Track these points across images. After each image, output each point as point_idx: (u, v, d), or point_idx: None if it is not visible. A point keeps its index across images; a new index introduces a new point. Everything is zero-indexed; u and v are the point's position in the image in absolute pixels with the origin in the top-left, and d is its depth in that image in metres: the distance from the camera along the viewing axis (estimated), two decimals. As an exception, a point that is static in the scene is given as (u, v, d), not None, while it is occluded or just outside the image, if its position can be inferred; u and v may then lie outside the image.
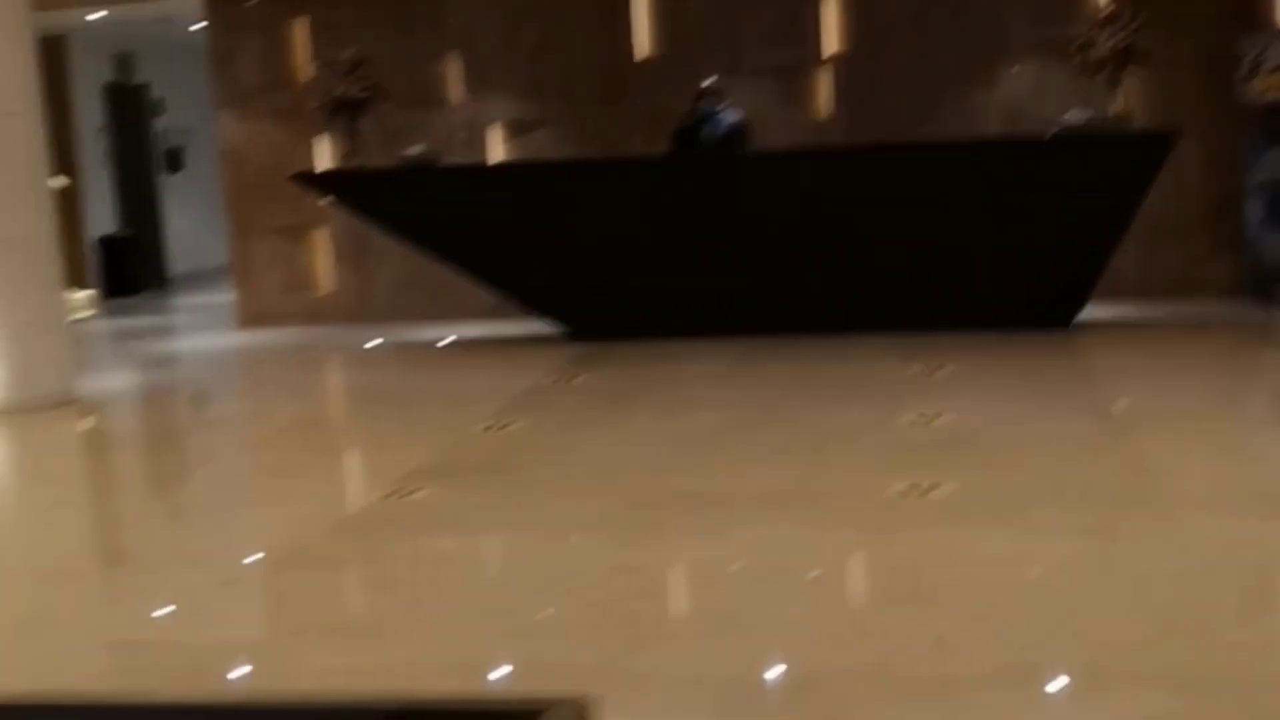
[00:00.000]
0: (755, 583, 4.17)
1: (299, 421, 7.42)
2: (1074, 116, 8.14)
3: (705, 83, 8.96)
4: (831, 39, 9.73)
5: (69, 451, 7.12)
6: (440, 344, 9.49)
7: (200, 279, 14.84)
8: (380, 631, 3.90)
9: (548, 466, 5.73)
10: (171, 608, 4.22)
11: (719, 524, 4.77)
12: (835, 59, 9.76)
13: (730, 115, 8.90)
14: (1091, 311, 8.46)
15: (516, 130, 10.29)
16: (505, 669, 3.54)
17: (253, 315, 10.83)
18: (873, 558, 4.52)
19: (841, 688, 3.30)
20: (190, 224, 15.59)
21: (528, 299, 9.12)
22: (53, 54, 11.47)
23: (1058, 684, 3.32)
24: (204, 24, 11.07)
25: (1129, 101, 8.35)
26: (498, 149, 10.40)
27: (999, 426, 6.00)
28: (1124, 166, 7.98)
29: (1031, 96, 9.41)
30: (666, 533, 4.75)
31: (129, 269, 14.23)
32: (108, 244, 14.06)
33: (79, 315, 11.08)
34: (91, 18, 12.17)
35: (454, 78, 10.47)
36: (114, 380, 8.96)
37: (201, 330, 11.26)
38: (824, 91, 9.86)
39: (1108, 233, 8.14)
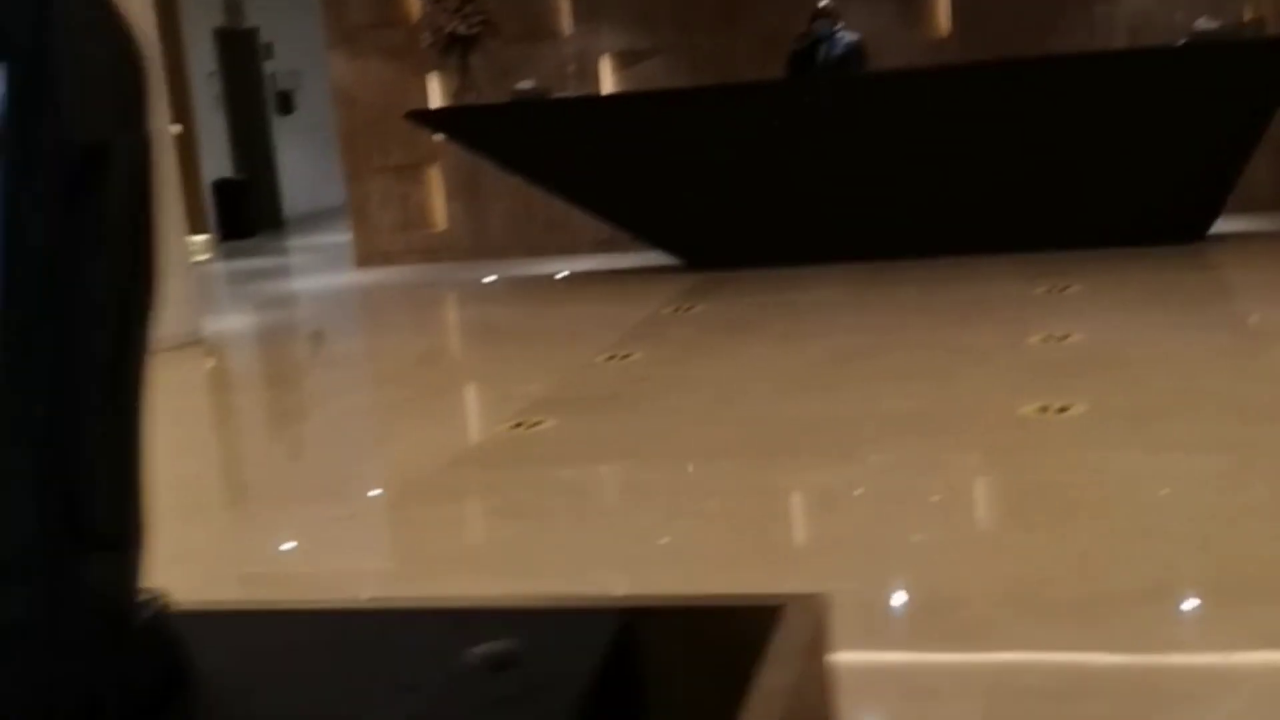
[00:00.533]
0: (887, 506, 4.10)
1: (420, 357, 7.46)
2: (1204, 25, 7.85)
3: (820, 4, 8.77)
4: (947, -46, 9.48)
5: (196, 390, 7.23)
6: (557, 277, 9.47)
7: (315, 220, 14.99)
8: (508, 561, 3.90)
9: (670, 396, 5.69)
10: (297, 542, 4.26)
11: (846, 448, 4.69)
12: (952, -25, 9.50)
13: (846, 36, 8.72)
14: (1224, 225, 8.19)
15: (628, 61, 10.18)
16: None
17: (368, 254, 10.90)
18: (1008, 479, 4.42)
19: (983, 609, 3.22)
20: (303, 165, 15.73)
21: (643, 230, 9.06)
22: (164, 1, 11.57)
23: (1201, 601, 3.21)
24: (312, -35, 11.09)
25: (1261, 8, 8.02)
26: (609, 80, 10.31)
27: (1131, 344, 5.84)
28: (1257, 75, 7.68)
29: (1159, 5, 9.09)
30: (793, 458, 4.69)
31: (244, 212, 14.41)
32: (223, 188, 14.25)
33: (198, 258, 11.24)
34: (202, -37, 12.24)
35: (564, 10, 10.38)
36: (234, 321, 9.09)
37: (318, 270, 11.37)
38: (941, 9, 9.61)
39: (1240, 143, 7.85)
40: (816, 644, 0.73)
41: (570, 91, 9.79)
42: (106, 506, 0.48)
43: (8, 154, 0.47)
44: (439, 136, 9.95)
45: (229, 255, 12.96)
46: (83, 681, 0.48)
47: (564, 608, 0.73)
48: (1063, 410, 4.78)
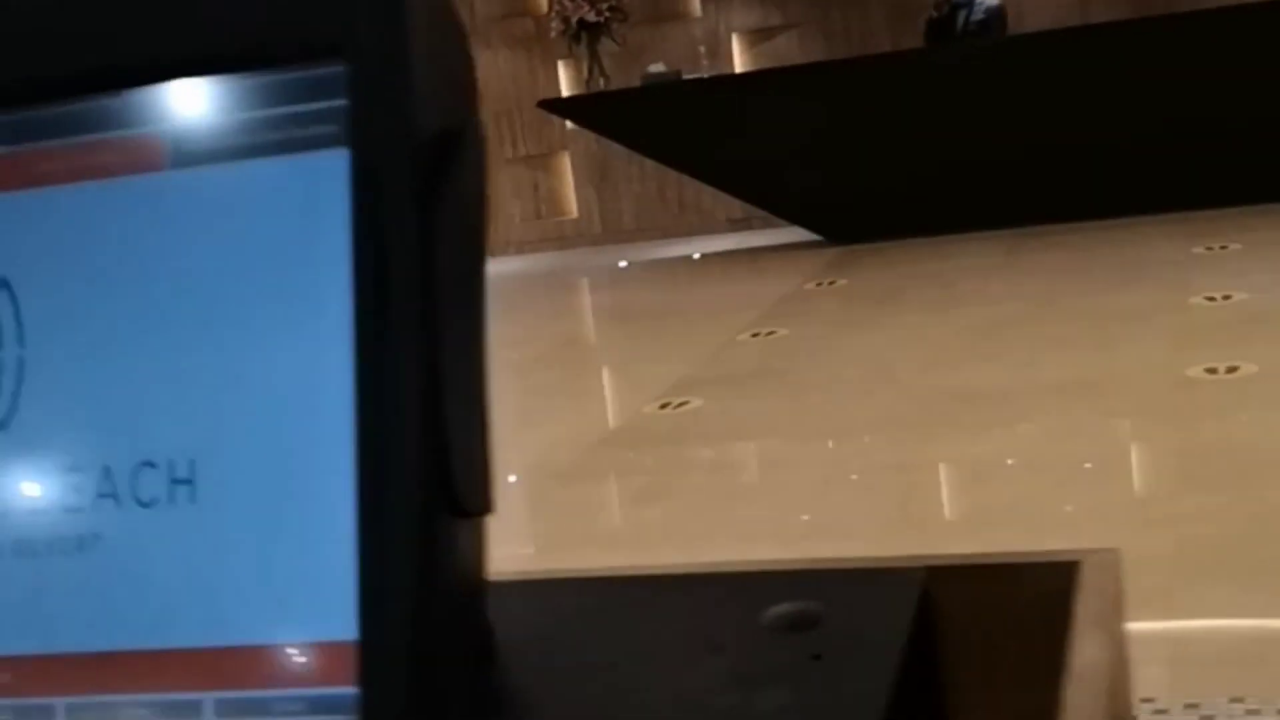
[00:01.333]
0: (1057, 473, 3.99)
1: (559, 342, 7.49)
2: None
3: (957, -32, 8.60)
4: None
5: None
6: (694, 258, 9.44)
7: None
8: (661, 539, 3.88)
9: (818, 370, 5.63)
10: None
11: (1008, 418, 4.59)
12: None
13: (986, 1, 8.53)
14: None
15: (759, 38, 10.10)
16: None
17: (500, 243, 10.97)
18: (1184, 441, 4.27)
19: (1163, 573, 3.11)
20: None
21: (781, 207, 8.98)
22: None
23: None
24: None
25: None
26: (741, 58, 10.23)
27: (1299, 303, 5.62)
28: None
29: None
30: (951, 429, 4.59)
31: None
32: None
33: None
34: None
35: (690, -11, 10.33)
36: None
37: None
38: (1081, -34, 9.37)
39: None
40: (1117, 599, 0.68)
41: (702, 72, 9.74)
42: (467, 480, 0.47)
43: (359, 154, 0.47)
44: (571, 125, 9.97)
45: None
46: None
47: (857, 568, 0.69)
48: (1232, 371, 4.61)
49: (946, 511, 3.87)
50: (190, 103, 0.51)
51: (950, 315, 6.35)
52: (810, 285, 7.70)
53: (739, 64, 10.22)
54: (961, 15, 8.53)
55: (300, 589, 0.48)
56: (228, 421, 0.49)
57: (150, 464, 0.50)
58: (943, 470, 4.24)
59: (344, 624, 0.47)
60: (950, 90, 8.07)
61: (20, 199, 0.52)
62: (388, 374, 0.47)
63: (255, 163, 0.50)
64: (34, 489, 0.51)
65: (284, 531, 0.48)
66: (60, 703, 0.50)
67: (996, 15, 8.51)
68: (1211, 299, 5.80)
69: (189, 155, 0.51)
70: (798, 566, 0.70)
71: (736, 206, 9.27)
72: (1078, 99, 7.86)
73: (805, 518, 3.83)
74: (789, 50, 9.95)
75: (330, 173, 0.49)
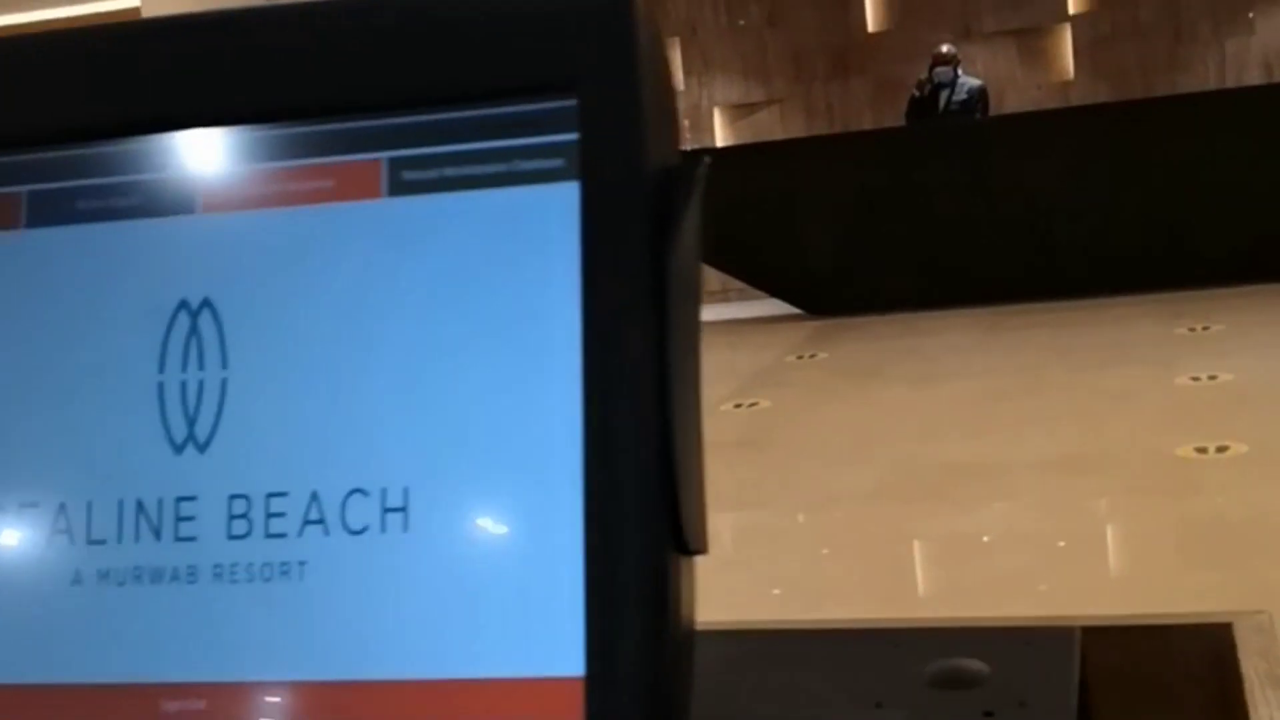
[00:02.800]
0: (1052, 547, 3.99)
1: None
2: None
3: (941, 50, 8.72)
4: (1067, -4, 9.38)
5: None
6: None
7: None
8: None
9: (803, 441, 5.63)
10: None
11: (1000, 491, 4.60)
12: (1076, 17, 9.40)
13: (970, 81, 8.66)
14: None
15: (742, 113, 10.19)
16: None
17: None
18: (1179, 518, 4.29)
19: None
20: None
21: (761, 279, 9.02)
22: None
23: None
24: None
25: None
26: (723, 132, 10.33)
27: (1284, 385, 5.67)
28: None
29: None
30: (942, 501, 4.60)
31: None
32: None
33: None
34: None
35: (674, 63, 10.44)
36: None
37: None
38: (1063, 52, 9.51)
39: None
40: (1276, 660, 0.68)
41: (685, 145, 9.78)
42: (692, 517, 0.48)
43: (590, 188, 0.47)
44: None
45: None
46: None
47: (1012, 627, 0.69)
48: (1222, 450, 4.64)
49: (937, 584, 3.86)
50: (413, 132, 0.50)
51: (933, 390, 6.37)
52: (790, 358, 7.72)
53: (720, 138, 10.30)
54: (944, 95, 8.65)
55: (518, 624, 0.47)
56: (445, 450, 0.48)
57: (361, 491, 0.49)
58: (929, 544, 4.24)
59: (567, 660, 0.47)
60: (931, 168, 8.15)
61: (230, 220, 0.52)
62: (620, 411, 0.47)
63: (479, 194, 0.50)
64: (236, 514, 0.50)
65: (502, 564, 0.48)
66: None
67: (978, 96, 8.63)
68: (1197, 379, 5.85)
69: (410, 184, 0.50)
70: (950, 624, 0.70)
71: (714, 278, 9.30)
72: (1057, 179, 7.95)
73: (776, 592, 3.82)
74: (771, 125, 10.04)
75: (558, 206, 0.49)
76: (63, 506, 0.51)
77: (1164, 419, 5.32)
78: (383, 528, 0.49)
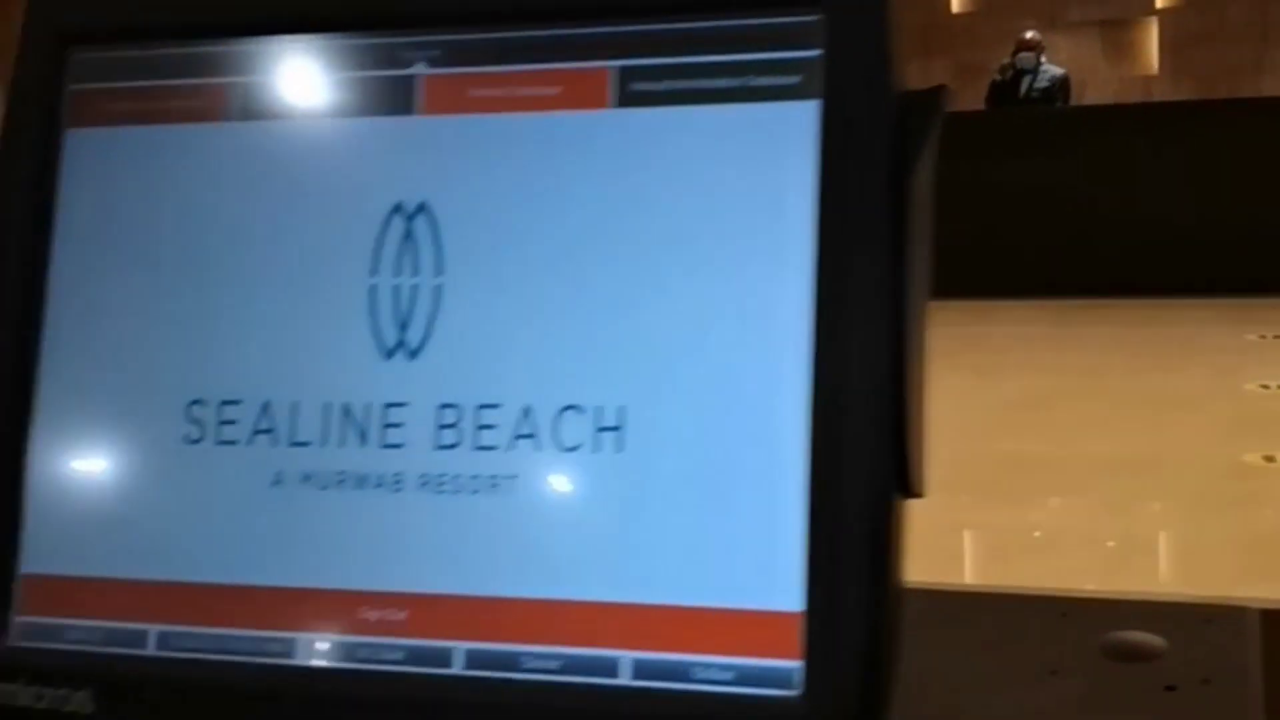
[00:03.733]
0: (1128, 553, 3.94)
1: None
2: None
3: (1025, 35, 8.62)
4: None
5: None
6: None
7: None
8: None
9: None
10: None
11: (1059, 488, 4.54)
12: (1163, 12, 9.26)
13: (1052, 70, 8.55)
14: None
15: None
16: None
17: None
18: (1245, 528, 4.23)
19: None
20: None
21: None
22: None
23: None
24: None
25: None
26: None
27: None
28: None
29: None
30: (1002, 497, 4.55)
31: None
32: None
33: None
34: None
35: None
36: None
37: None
38: (1149, 46, 9.38)
39: None
40: None
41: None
42: (916, 459, 0.46)
43: (833, 108, 0.46)
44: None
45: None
46: None
47: (1188, 603, 0.67)
48: (1290, 459, 4.57)
49: (997, 577, 3.83)
50: (644, 41, 0.49)
51: (996, 381, 6.31)
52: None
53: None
54: (1026, 81, 8.55)
55: (734, 553, 0.46)
56: (666, 370, 0.47)
57: (575, 408, 0.48)
58: (993, 536, 4.20)
59: (784, 595, 0.45)
60: (1008, 155, 8.06)
61: (449, 123, 0.51)
62: (852, 343, 0.45)
63: (711, 109, 0.48)
64: (445, 423, 0.49)
65: (720, 491, 0.46)
66: (460, 647, 0.48)
67: (1060, 84, 8.53)
68: (1266, 387, 5.76)
69: (638, 95, 0.49)
70: (1121, 597, 0.68)
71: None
72: (1135, 174, 7.85)
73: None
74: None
75: (795, 125, 0.47)
76: (266, 405, 0.51)
77: (1231, 425, 5.24)
78: (596, 446, 0.47)
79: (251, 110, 0.52)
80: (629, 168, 0.48)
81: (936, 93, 0.46)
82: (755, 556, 0.46)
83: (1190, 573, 3.76)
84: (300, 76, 0.52)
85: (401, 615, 0.48)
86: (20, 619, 0.52)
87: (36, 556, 0.52)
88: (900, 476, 0.45)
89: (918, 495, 0.47)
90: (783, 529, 0.45)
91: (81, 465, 0.52)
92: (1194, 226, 7.82)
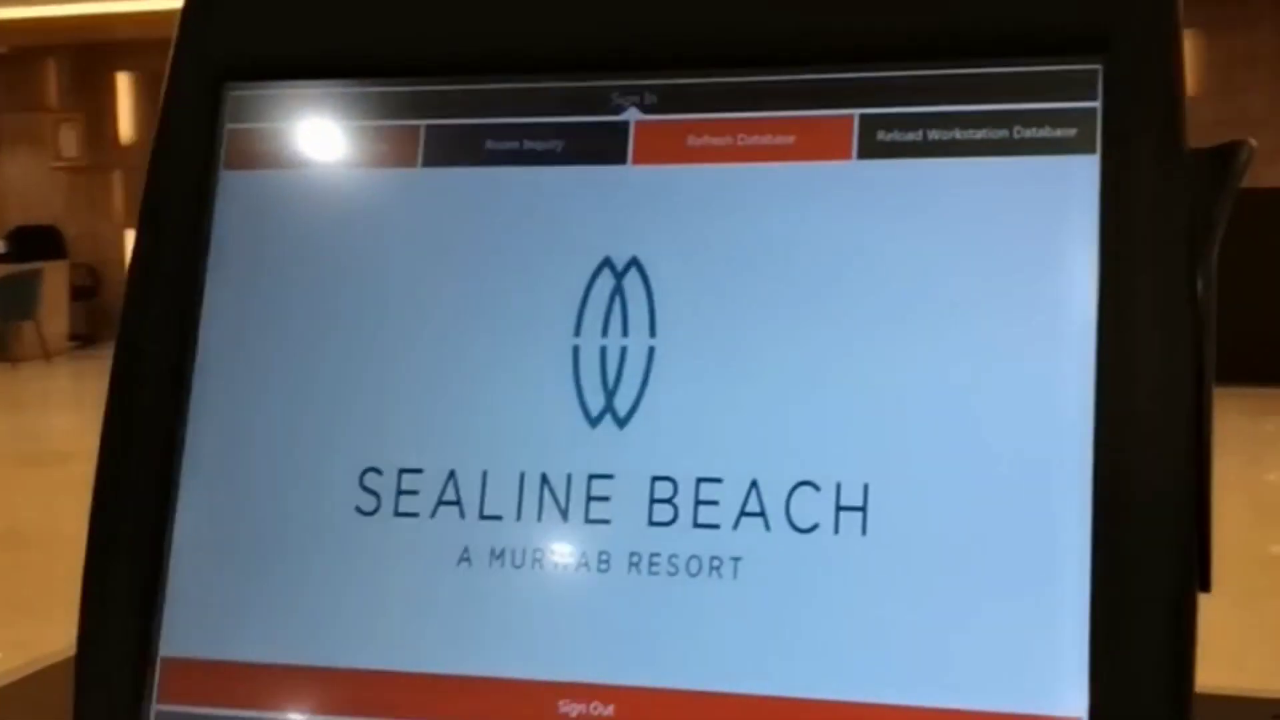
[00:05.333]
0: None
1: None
2: None
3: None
4: None
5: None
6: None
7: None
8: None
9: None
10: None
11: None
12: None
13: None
14: None
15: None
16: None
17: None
18: (1272, 620, 4.16)
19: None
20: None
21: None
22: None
23: None
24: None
25: None
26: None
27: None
28: None
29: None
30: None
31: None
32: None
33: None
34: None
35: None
36: None
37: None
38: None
39: None
40: None
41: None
42: (1209, 547, 0.43)
43: (1113, 164, 0.42)
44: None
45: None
46: None
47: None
48: (1316, 553, 4.51)
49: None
50: (892, 88, 0.45)
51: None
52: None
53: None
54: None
55: (1000, 651, 0.41)
56: (917, 444, 0.43)
57: (811, 484, 0.43)
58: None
59: (1061, 699, 0.40)
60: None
61: (664, 174, 0.46)
62: (1148, 423, 0.41)
63: (968, 162, 0.44)
64: (659, 498, 0.44)
65: (984, 581, 0.42)
66: None
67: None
68: (1287, 478, 5.71)
69: (884, 145, 0.45)
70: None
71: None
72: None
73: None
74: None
75: (1070, 182, 0.43)
76: (452, 474, 0.46)
77: (1256, 515, 5.18)
78: (836, 528, 0.43)
79: (442, 156, 0.48)
80: (872, 224, 0.44)
81: (1235, 149, 0.42)
82: (1026, 655, 0.41)
83: (1223, 666, 3.67)
84: (497, 121, 0.48)
85: (607, 710, 0.43)
86: (160, 708, 0.47)
87: (179, 638, 0.47)
88: (1202, 570, 0.41)
89: (1208, 590, 0.42)
90: (1061, 624, 0.41)
91: (234, 536, 0.47)
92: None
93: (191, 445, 0.48)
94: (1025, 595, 0.41)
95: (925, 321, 0.43)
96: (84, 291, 9.80)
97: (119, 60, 9.74)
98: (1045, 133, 0.43)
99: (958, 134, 0.44)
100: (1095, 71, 0.43)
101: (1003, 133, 0.44)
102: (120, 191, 9.95)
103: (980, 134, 0.44)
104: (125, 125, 9.91)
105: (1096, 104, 0.43)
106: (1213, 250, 0.41)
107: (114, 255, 9.85)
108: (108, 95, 9.91)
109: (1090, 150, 0.42)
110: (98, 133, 10.00)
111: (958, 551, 0.42)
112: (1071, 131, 0.43)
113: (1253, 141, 0.43)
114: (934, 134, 0.44)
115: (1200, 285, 0.41)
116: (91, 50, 9.64)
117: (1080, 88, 0.43)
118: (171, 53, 0.51)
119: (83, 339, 9.57)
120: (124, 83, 9.84)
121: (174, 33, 0.50)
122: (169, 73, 0.50)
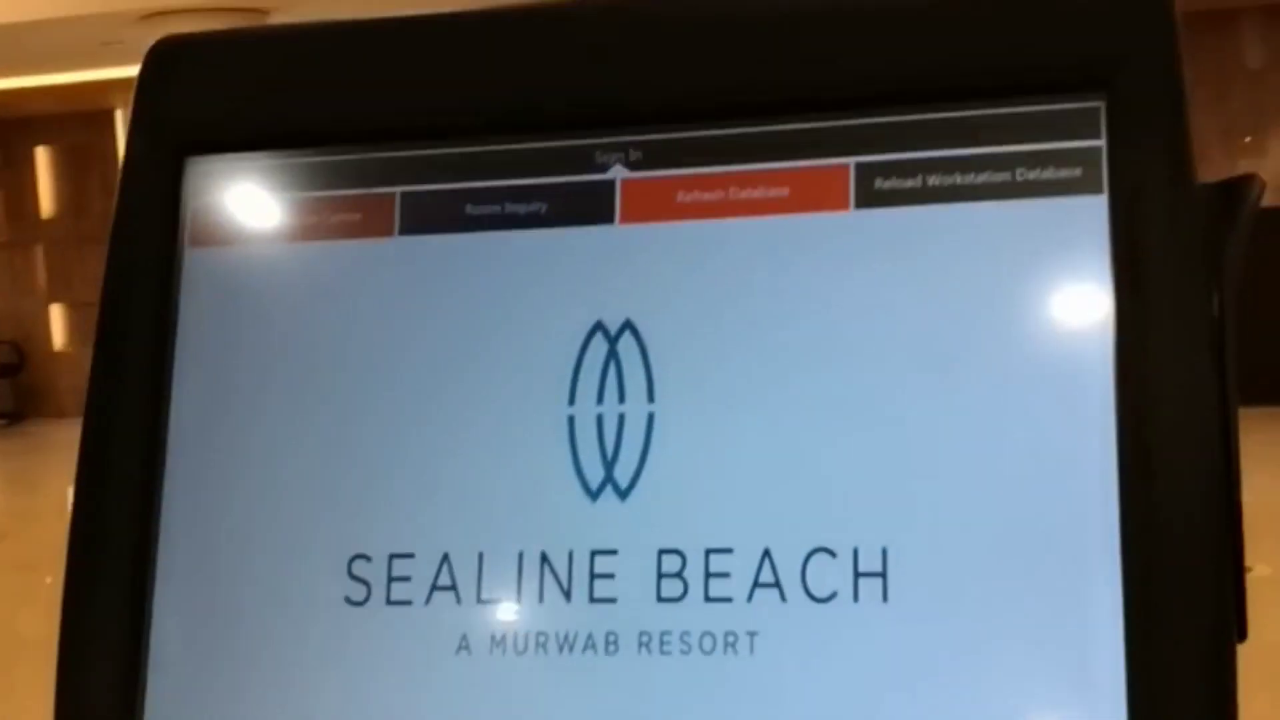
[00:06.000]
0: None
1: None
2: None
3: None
4: None
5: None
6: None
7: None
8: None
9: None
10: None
11: None
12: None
13: None
14: None
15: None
16: None
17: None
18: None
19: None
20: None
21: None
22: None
23: None
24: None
25: None
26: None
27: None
28: None
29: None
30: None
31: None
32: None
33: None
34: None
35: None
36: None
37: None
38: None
39: None
40: None
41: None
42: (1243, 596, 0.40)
43: (1122, 204, 0.41)
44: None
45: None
46: None
47: None
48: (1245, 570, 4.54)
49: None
50: (888, 134, 0.43)
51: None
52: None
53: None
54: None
55: (1034, 716, 0.39)
56: (935, 501, 0.41)
57: (827, 551, 0.41)
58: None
59: (1098, 763, 0.39)
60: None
61: (653, 232, 0.45)
62: (1176, 470, 0.39)
63: (970, 207, 0.42)
64: (666, 572, 0.42)
65: (1014, 648, 0.40)
66: None
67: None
68: None
69: (883, 194, 0.43)
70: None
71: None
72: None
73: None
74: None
75: (1077, 225, 0.41)
76: (445, 557, 0.44)
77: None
78: (855, 595, 0.41)
79: (420, 224, 0.46)
80: (873, 276, 0.43)
81: (1244, 183, 0.41)
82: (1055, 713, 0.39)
83: None
84: (477, 184, 0.46)
85: None
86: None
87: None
88: (1241, 618, 0.39)
89: (1244, 638, 0.41)
90: (1098, 693, 0.39)
91: (215, 636, 0.45)
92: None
93: (165, 541, 0.46)
94: (1059, 662, 0.39)
95: (935, 374, 0.41)
96: (8, 369, 9.62)
97: (37, 134, 9.62)
98: (1049, 174, 0.42)
99: (958, 179, 0.42)
100: (1098, 109, 0.41)
101: (1005, 176, 0.42)
102: (42, 267, 9.81)
103: (982, 178, 0.42)
104: (46, 199, 9.78)
105: (1101, 142, 0.41)
106: (1231, 288, 0.40)
107: (38, 331, 9.70)
108: (27, 170, 9.78)
109: (1097, 190, 0.41)
110: (18, 208, 9.85)
111: (985, 616, 0.40)
112: (1076, 171, 0.42)
113: (1262, 177, 0.42)
114: (934, 179, 0.43)
115: (1221, 323, 0.40)
116: (8, 125, 9.51)
117: (1083, 126, 0.42)
118: (129, 126, 0.49)
119: (9, 416, 9.39)
120: (43, 157, 9.72)
121: (130, 104, 0.48)
122: (126, 147, 0.48)
